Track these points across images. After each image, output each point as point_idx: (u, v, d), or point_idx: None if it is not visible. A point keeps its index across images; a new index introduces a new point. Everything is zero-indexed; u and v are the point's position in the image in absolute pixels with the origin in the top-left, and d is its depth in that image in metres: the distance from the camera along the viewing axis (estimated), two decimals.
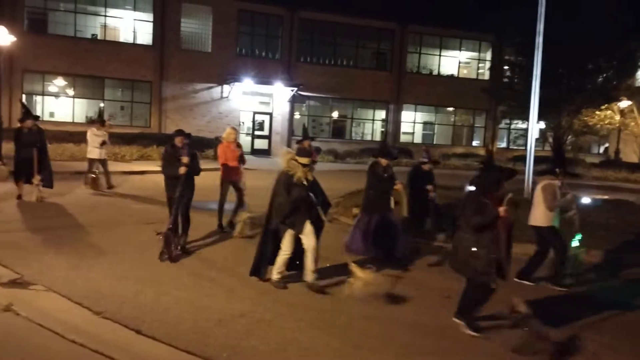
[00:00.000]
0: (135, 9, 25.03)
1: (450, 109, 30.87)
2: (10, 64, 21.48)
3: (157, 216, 9.60)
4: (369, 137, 29.55)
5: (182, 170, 7.21)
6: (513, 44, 25.96)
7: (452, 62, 30.67)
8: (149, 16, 24.96)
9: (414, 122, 30.17)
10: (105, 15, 24.77)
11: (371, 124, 29.92)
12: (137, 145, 20.86)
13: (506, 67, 28.59)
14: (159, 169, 15.13)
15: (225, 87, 25.55)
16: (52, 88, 24.31)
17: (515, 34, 23.68)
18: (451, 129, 31.23)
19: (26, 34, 21.82)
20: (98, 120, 13.08)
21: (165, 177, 7.54)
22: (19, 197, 10.44)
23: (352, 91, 27.69)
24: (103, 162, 12.60)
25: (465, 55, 31.14)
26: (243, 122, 26.51)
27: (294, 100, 26.97)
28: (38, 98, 24.11)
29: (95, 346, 4.15)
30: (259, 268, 6.39)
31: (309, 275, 6.26)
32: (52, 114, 23.93)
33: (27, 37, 21.63)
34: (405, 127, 29.85)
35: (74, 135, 19.92)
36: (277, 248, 6.32)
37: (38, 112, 23.79)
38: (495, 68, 29.49)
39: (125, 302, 5.44)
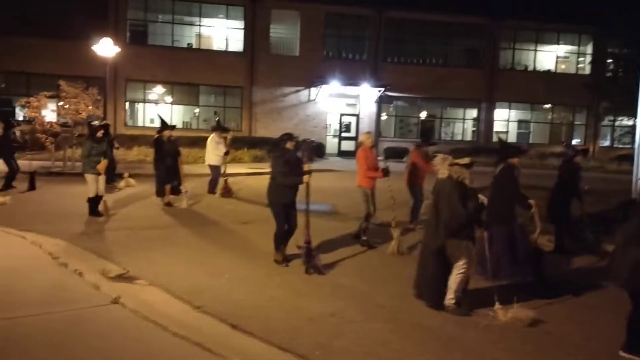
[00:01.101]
0: (227, 17, 26.04)
1: (548, 106, 29.28)
2: (115, 73, 23.03)
3: (250, 217, 9.91)
4: (459, 137, 28.71)
5: (307, 178, 6.79)
6: (618, 35, 24.16)
7: (549, 56, 29.08)
8: (240, 24, 25.85)
9: (508, 121, 28.93)
10: (200, 25, 25.98)
11: (462, 124, 29.08)
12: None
13: (610, 60, 26.68)
14: (250, 170, 15.56)
15: (313, 89, 25.89)
16: (152, 96, 25.82)
17: (621, 24, 22.01)
18: (548, 127, 29.59)
19: (129, 45, 23.32)
20: (220, 127, 12.86)
21: (280, 184, 6.88)
22: (168, 203, 10.83)
23: (441, 90, 27.02)
24: (218, 168, 12.58)
25: (563, 49, 29.43)
26: (330, 124, 26.74)
27: (381, 101, 26.80)
28: (139, 105, 25.70)
29: (195, 339, 4.31)
30: (440, 294, 5.59)
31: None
32: (152, 121, 25.41)
33: (130, 48, 23.11)
34: (498, 126, 28.68)
35: None
36: (446, 268, 5.57)
37: (139, 119, 25.47)
38: (597, 62, 27.58)
39: (221, 298, 5.63)
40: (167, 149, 10.92)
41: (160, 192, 10.97)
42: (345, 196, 11.99)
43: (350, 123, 27.09)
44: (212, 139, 12.46)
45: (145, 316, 4.73)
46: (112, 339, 4.24)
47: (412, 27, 27.12)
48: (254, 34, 25.47)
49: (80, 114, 18.06)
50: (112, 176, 12.65)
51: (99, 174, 9.36)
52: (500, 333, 5.06)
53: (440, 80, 26.63)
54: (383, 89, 25.80)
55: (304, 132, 24.92)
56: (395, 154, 23.16)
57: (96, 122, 9.79)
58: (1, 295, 5.09)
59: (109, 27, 23.13)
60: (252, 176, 16.50)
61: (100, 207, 9.48)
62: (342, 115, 26.98)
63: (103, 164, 9.38)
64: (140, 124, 25.19)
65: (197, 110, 26.23)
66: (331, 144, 26.55)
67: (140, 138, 21.48)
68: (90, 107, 18.71)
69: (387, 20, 26.64)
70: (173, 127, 11.38)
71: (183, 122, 25.84)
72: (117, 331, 4.40)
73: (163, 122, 11.49)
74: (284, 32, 26.39)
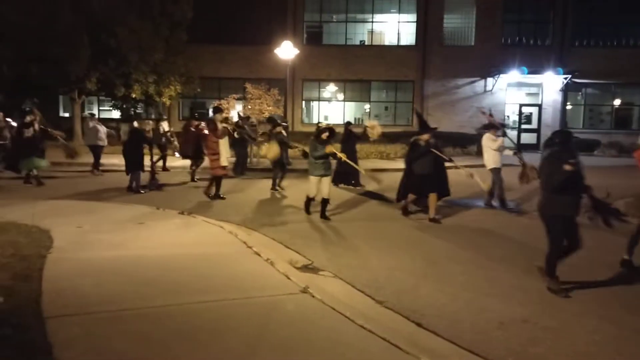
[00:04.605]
0: (399, 11, 25.97)
1: None
2: (293, 74, 24.34)
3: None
4: None
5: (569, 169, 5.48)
6: None
7: None
8: (412, 17, 25.63)
9: None
10: (372, 22, 26.31)
11: None
12: (400, 144, 21.54)
13: None
14: None
15: (489, 80, 24.67)
16: (325, 94, 26.84)
17: None
18: None
19: (305, 47, 24.50)
20: (495, 123, 10.73)
21: (557, 193, 5.59)
22: (404, 210, 9.62)
23: None
24: (497, 171, 10.37)
25: None
26: (508, 116, 25.24)
27: (567, 89, 24.54)
28: (314, 103, 26.89)
29: (382, 333, 4.29)
30: None
31: None
32: (326, 117, 26.45)
33: (306, 49, 24.24)
34: None
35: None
36: None
37: (314, 116, 26.60)
38: None
39: (403, 294, 5.57)
40: (423, 153, 9.19)
41: (401, 197, 9.77)
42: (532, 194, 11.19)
43: (531, 114, 25.28)
44: (487, 137, 10.39)
45: (332, 307, 4.84)
46: (304, 326, 4.41)
47: (604, 5, 24.36)
48: (427, 25, 25.06)
49: (263, 113, 19.41)
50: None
51: (322, 175, 9.12)
52: None
53: (639, 63, 23.53)
54: (570, 76, 23.58)
55: (479, 124, 23.82)
56: (583, 146, 21.02)
57: (323, 124, 9.99)
58: (210, 278, 5.62)
59: (287, 31, 24.59)
60: None
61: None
62: (521, 105, 25.30)
63: (330, 148, 8.97)
64: (315, 121, 26.34)
65: (367, 106, 26.62)
66: (509, 136, 25.04)
67: None
68: (270, 107, 20.00)
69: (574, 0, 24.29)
70: (434, 129, 9.60)
71: (355, 119, 26.41)
72: (308, 319, 4.57)
73: (423, 122, 9.86)
74: (458, 21, 25.54)
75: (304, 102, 26.56)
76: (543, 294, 5.66)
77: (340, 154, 9.12)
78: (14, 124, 13.79)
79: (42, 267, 5.67)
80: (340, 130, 13.01)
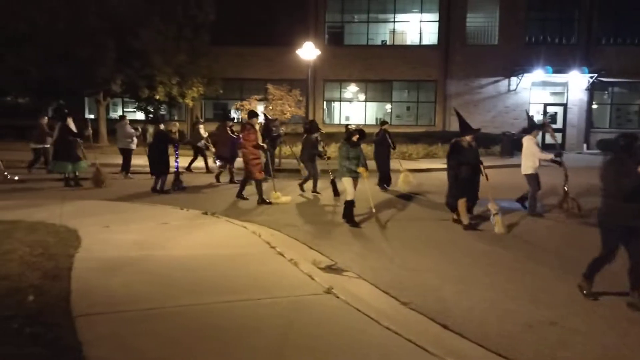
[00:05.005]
0: (421, 11, 25.80)
1: None
2: (314, 74, 24.31)
3: (450, 214, 9.59)
4: None
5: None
6: None
7: None
8: (435, 16, 25.45)
9: None
10: (394, 21, 26.18)
11: None
12: (422, 144, 21.45)
13: None
14: (444, 166, 15.00)
15: (513, 79, 24.36)
16: (347, 94, 26.78)
17: None
18: None
19: (326, 47, 24.44)
20: (540, 123, 9.74)
21: (626, 200, 5.14)
22: (469, 226, 8.72)
23: None
24: (535, 177, 9.66)
25: None
26: (532, 116, 24.87)
27: (593, 88, 24.08)
28: (335, 104, 26.86)
29: (407, 335, 4.26)
30: None
31: None
32: (347, 118, 26.41)
33: (327, 50, 24.17)
34: None
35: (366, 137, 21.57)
36: None
37: (335, 117, 26.54)
38: None
39: (428, 296, 5.52)
40: (466, 157, 8.74)
41: (452, 207, 9.12)
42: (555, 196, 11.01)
43: (556, 113, 24.87)
44: (529, 140, 9.64)
45: (357, 308, 4.82)
46: (329, 327, 4.39)
47: (630, 3, 23.85)
48: (449, 25, 24.86)
49: (285, 114, 19.44)
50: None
51: (355, 177, 8.89)
52: None
53: None
54: (596, 75, 23.13)
55: (502, 124, 23.66)
56: (610, 146, 20.58)
57: (353, 126, 9.90)
58: (234, 278, 5.64)
59: (309, 32, 24.62)
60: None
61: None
62: (546, 105, 24.92)
63: (362, 169, 8.84)
64: (336, 121, 26.35)
65: (389, 106, 26.50)
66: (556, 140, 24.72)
67: (336, 135, 22.41)
68: (292, 108, 20.01)
69: None
70: (477, 131, 8.97)
71: (376, 119, 26.33)
72: (332, 320, 4.55)
73: (464, 122, 9.05)
74: (482, 20, 25.28)
75: (325, 102, 26.55)
76: (571, 296, 5.56)
77: (365, 174, 8.90)
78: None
79: (71, 266, 5.75)
80: (371, 130, 12.97)
